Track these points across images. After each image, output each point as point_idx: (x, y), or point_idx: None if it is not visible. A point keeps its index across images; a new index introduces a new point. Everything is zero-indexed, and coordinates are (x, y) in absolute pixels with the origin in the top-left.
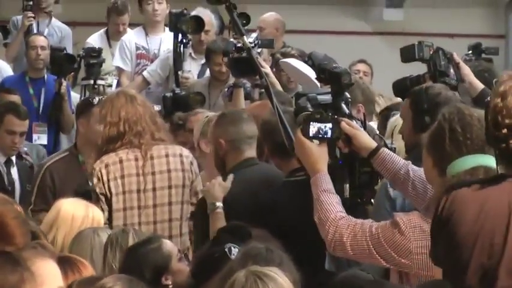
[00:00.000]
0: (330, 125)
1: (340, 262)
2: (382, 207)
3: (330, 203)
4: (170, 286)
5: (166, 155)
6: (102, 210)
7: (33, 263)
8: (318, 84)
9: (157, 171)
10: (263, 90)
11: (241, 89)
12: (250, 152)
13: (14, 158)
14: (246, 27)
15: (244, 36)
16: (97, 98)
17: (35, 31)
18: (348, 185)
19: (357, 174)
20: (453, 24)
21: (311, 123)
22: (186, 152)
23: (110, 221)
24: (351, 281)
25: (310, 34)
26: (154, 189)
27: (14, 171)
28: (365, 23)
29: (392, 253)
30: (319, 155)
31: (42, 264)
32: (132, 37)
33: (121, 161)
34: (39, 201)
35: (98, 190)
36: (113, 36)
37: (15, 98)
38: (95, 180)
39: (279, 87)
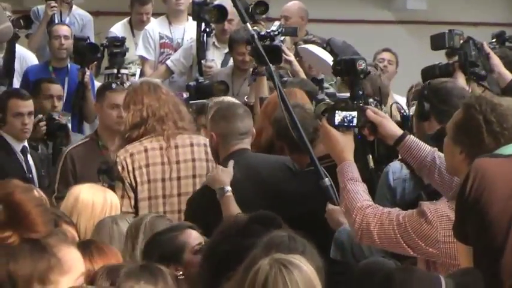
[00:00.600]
0: (355, 114)
1: (344, 251)
2: (383, 197)
3: (357, 192)
4: (181, 277)
5: (191, 145)
6: (129, 198)
7: (59, 250)
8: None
9: (182, 160)
10: (286, 78)
11: (264, 77)
12: (242, 146)
13: (27, 144)
14: (267, 16)
15: (248, 24)
16: (114, 84)
17: (57, 21)
18: (370, 156)
19: (376, 147)
20: (477, 12)
21: (336, 111)
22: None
23: (136, 209)
24: (380, 268)
25: (334, 23)
26: (178, 178)
27: (30, 158)
28: (388, 12)
29: (419, 242)
30: (345, 144)
31: (67, 251)
32: (156, 26)
33: (146, 150)
34: (62, 188)
35: (124, 179)
36: (136, 25)
37: (58, 88)
38: (120, 169)
39: (302, 75)
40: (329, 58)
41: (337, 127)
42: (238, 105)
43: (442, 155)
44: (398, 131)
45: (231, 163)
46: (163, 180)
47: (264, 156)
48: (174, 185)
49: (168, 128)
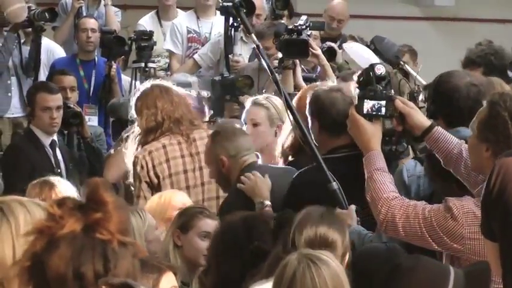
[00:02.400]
0: (384, 103)
1: (354, 251)
2: None
3: (383, 182)
4: None
5: (208, 137)
6: (145, 198)
7: None
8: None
9: (202, 151)
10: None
11: (291, 71)
12: (252, 159)
13: (56, 138)
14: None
15: (253, 34)
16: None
17: (84, 14)
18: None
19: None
20: (505, 10)
21: (365, 100)
22: None
23: None
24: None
25: (361, 19)
26: (200, 168)
27: (58, 151)
28: (416, 8)
29: (444, 237)
30: (372, 133)
31: None
32: (184, 20)
33: (164, 146)
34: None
35: (142, 179)
36: (163, 16)
37: (70, 79)
38: (138, 168)
39: (329, 69)
40: (374, 57)
41: (365, 116)
42: (233, 124)
43: None
44: (426, 122)
45: (267, 175)
46: (185, 171)
47: (273, 167)
48: (197, 175)
49: (186, 127)
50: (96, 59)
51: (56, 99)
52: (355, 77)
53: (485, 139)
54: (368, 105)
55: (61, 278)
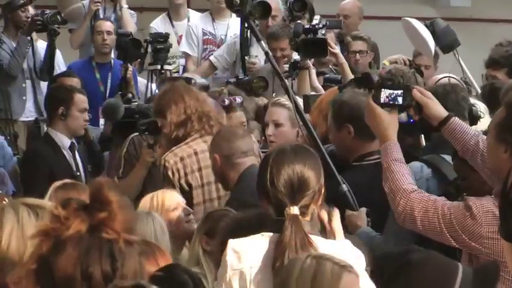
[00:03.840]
0: (401, 92)
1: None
2: None
3: (402, 174)
4: None
5: None
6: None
7: None
8: (433, 50)
9: None
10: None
11: (307, 71)
12: (250, 162)
13: (75, 141)
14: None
15: (262, 41)
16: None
17: (101, 16)
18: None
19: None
20: None
21: (382, 89)
22: (251, 135)
23: None
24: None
25: (377, 20)
26: None
27: (77, 155)
28: (432, 9)
29: (463, 235)
30: (389, 123)
31: None
32: (199, 22)
33: (196, 153)
34: (127, 169)
35: (175, 185)
36: (174, 16)
37: (74, 81)
38: (170, 174)
39: (347, 68)
40: (430, 39)
41: (382, 105)
42: (238, 127)
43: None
44: (443, 113)
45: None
46: (216, 182)
47: None
48: None
49: (214, 123)
50: (112, 61)
51: (87, 102)
52: None
53: (504, 140)
54: (385, 94)
55: (69, 279)
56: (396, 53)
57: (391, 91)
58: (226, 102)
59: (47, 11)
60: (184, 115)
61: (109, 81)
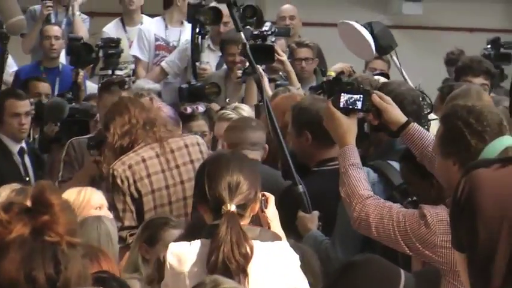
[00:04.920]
0: (360, 97)
1: None
2: None
3: (358, 179)
4: None
5: (186, 146)
6: (131, 211)
7: None
8: (374, 51)
9: (181, 164)
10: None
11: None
12: (253, 157)
13: (25, 145)
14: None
15: (241, 33)
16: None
17: (53, 21)
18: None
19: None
20: (472, 18)
21: (342, 94)
22: (200, 139)
23: (139, 221)
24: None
25: (328, 27)
26: (182, 182)
27: (27, 159)
28: (384, 16)
29: (416, 244)
30: (348, 127)
31: None
32: (152, 27)
33: (144, 160)
34: (66, 173)
35: (125, 192)
36: (128, 22)
37: (45, 86)
38: (119, 181)
39: (294, 75)
40: (371, 40)
41: (341, 109)
42: (251, 118)
43: None
44: (402, 118)
45: (316, 212)
46: (167, 187)
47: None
48: (178, 189)
49: (159, 130)
50: (61, 66)
51: (25, 105)
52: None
53: (449, 154)
54: (344, 98)
55: (13, 283)
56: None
57: (350, 95)
58: (189, 110)
59: None
60: (128, 125)
61: (57, 85)
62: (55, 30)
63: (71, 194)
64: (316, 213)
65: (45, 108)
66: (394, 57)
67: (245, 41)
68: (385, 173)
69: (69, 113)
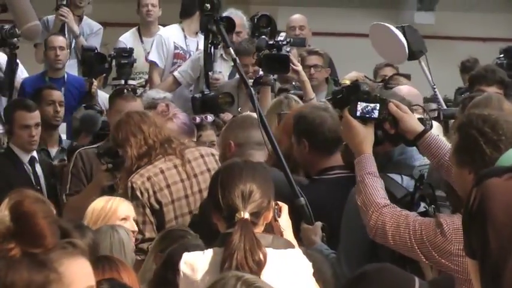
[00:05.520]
0: (377, 105)
1: None
2: (352, 221)
3: (375, 188)
4: None
5: (201, 156)
6: (151, 223)
7: (61, 263)
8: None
9: (199, 173)
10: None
11: (269, 88)
12: (258, 157)
13: (36, 155)
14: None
15: (230, 48)
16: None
17: (66, 31)
18: None
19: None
20: (485, 28)
21: (358, 102)
22: (214, 150)
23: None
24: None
25: (341, 37)
26: (200, 191)
27: (38, 168)
28: (396, 26)
29: (433, 252)
30: (364, 136)
31: (71, 265)
32: (171, 35)
33: (162, 171)
34: (73, 186)
35: (145, 204)
36: (144, 32)
37: (59, 94)
38: (138, 194)
39: (309, 85)
40: (405, 42)
41: (358, 118)
42: (252, 115)
43: None
44: (419, 127)
45: (319, 223)
46: (186, 196)
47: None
48: (197, 198)
49: (177, 145)
50: (66, 76)
51: (35, 117)
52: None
53: (465, 163)
54: (361, 107)
55: None
56: (360, 70)
57: (367, 104)
58: (197, 120)
59: (6, 26)
60: (145, 146)
61: (62, 95)
62: (60, 40)
63: (99, 203)
64: (319, 224)
65: (79, 121)
66: (423, 63)
67: (234, 56)
68: (387, 187)
69: (102, 126)
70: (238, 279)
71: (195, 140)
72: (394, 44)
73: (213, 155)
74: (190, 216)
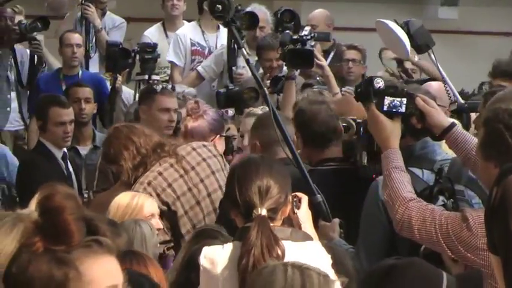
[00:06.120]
0: (404, 100)
1: None
2: (372, 214)
3: (401, 182)
4: None
5: (193, 149)
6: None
7: (82, 262)
8: (409, 50)
9: (195, 164)
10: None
11: (293, 82)
12: (283, 154)
13: (67, 151)
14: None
15: (243, 49)
16: (160, 86)
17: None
18: (365, 152)
19: (375, 141)
20: (508, 22)
21: (386, 97)
22: (205, 142)
23: (175, 229)
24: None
25: (365, 32)
26: (202, 181)
27: (69, 164)
28: (419, 21)
29: (459, 246)
30: (391, 130)
31: (93, 263)
32: (187, 32)
33: (160, 173)
34: (101, 183)
35: None
36: (169, 27)
37: (86, 91)
38: None
39: (333, 80)
40: (405, 39)
41: (385, 112)
42: (278, 113)
43: None
44: (446, 122)
45: (337, 220)
46: (190, 189)
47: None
48: (201, 188)
49: (169, 147)
50: (80, 72)
51: (70, 113)
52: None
53: (490, 157)
54: (388, 101)
55: None
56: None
57: (393, 99)
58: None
59: (24, 21)
60: (139, 156)
61: None
62: (76, 38)
63: (124, 198)
64: (336, 220)
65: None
66: (432, 56)
67: (247, 57)
68: None
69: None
70: (284, 265)
71: (224, 134)
72: (396, 40)
73: (204, 146)
74: (199, 207)
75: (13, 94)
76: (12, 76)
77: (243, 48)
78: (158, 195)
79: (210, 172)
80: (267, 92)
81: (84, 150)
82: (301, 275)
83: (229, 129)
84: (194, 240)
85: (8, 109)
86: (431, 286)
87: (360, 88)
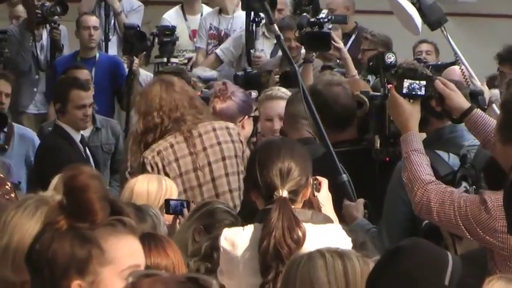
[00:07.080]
0: (423, 83)
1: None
2: (396, 195)
3: (420, 164)
4: None
5: (214, 129)
6: None
7: (106, 240)
8: (420, 27)
9: (208, 146)
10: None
11: (311, 64)
12: (306, 134)
13: (85, 134)
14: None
15: (275, 24)
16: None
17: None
18: (377, 136)
19: (388, 124)
20: None
21: (405, 80)
22: (231, 125)
23: None
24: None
25: (381, 14)
26: (209, 164)
27: (87, 148)
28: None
29: (477, 229)
30: (410, 113)
31: (117, 242)
32: (208, 17)
33: (172, 145)
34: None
35: None
36: (188, 10)
37: (85, 73)
38: (149, 169)
39: (350, 63)
40: (416, 15)
41: (404, 95)
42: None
43: None
44: (465, 104)
45: (361, 200)
46: (195, 170)
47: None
48: (206, 171)
49: (187, 126)
50: (98, 55)
51: (90, 96)
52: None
53: (508, 139)
54: (407, 84)
55: None
56: (400, 48)
57: (413, 82)
58: None
59: (47, 3)
60: (151, 123)
61: (93, 75)
62: (93, 20)
63: (152, 184)
64: (361, 201)
65: None
66: (445, 33)
67: (279, 33)
68: (431, 163)
69: None
70: (320, 251)
71: (252, 115)
72: (407, 16)
73: (227, 128)
74: (199, 190)
75: (42, 75)
76: (42, 56)
77: (275, 24)
78: (164, 166)
79: (221, 157)
80: (297, 69)
81: (86, 132)
82: (341, 259)
83: (256, 109)
84: (204, 218)
85: (35, 89)
86: (437, 267)
87: (372, 62)
